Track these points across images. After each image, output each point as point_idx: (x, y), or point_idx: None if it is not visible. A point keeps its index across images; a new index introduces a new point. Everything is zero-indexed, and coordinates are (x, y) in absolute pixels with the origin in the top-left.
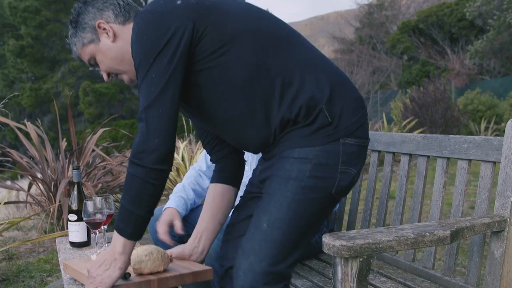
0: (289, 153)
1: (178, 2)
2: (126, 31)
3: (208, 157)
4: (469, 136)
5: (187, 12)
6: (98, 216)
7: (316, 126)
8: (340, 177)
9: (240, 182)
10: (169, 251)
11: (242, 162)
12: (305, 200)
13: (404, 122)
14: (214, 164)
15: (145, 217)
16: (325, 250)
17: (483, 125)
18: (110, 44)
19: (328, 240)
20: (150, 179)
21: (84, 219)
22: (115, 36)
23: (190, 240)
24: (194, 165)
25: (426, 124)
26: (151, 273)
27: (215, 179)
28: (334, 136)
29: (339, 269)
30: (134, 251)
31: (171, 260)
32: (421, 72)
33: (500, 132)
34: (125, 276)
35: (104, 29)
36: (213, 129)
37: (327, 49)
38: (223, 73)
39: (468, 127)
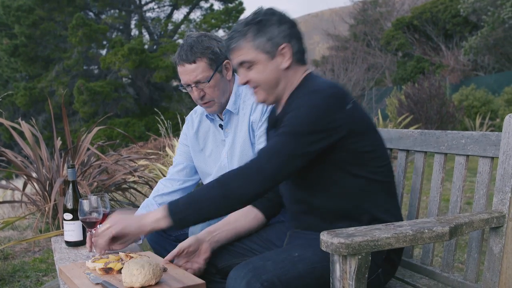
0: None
1: (348, 107)
2: (293, 70)
3: (173, 168)
4: (466, 132)
5: (349, 120)
6: (94, 215)
7: None
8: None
9: (271, 218)
10: (181, 244)
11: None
12: None
13: (400, 119)
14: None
15: (204, 220)
16: (323, 247)
17: (478, 121)
18: (279, 68)
19: (326, 237)
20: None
21: (80, 218)
22: (289, 66)
23: (206, 230)
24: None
25: (421, 121)
26: (142, 287)
27: (256, 204)
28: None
29: (337, 266)
30: (126, 264)
31: (164, 270)
32: (415, 69)
33: (495, 128)
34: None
35: (283, 54)
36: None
37: (321, 46)
38: (330, 182)
39: (463, 123)
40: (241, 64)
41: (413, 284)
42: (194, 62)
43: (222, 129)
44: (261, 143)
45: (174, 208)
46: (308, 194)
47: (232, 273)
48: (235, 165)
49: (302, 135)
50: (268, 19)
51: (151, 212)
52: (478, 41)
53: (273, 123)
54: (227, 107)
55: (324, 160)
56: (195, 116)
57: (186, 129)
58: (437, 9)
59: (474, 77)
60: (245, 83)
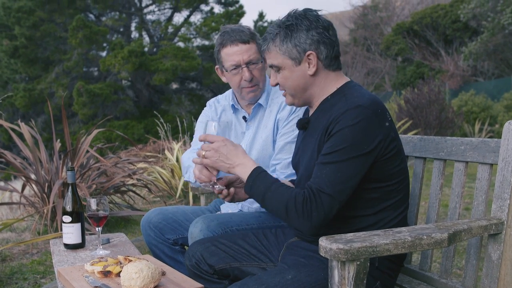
0: None
1: (387, 124)
2: (322, 76)
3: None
4: (466, 138)
5: (386, 138)
6: (101, 212)
7: None
8: None
9: None
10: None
11: None
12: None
13: (399, 124)
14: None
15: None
16: (322, 253)
17: (477, 127)
18: (305, 75)
19: (325, 243)
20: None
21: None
22: (315, 73)
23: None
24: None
25: (420, 126)
26: None
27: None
28: None
29: (336, 272)
30: (125, 268)
31: (163, 274)
32: (415, 74)
33: (494, 134)
34: None
35: (310, 59)
36: None
37: None
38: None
39: (462, 129)
40: (271, 66)
41: None
42: (248, 42)
43: (245, 121)
44: (282, 140)
45: (253, 178)
46: None
47: None
48: (252, 158)
49: (347, 161)
50: (297, 24)
51: (247, 163)
52: (478, 46)
53: (303, 124)
54: (259, 100)
55: None
56: (218, 105)
57: (209, 111)
58: (437, 15)
59: (473, 83)
60: (275, 85)
